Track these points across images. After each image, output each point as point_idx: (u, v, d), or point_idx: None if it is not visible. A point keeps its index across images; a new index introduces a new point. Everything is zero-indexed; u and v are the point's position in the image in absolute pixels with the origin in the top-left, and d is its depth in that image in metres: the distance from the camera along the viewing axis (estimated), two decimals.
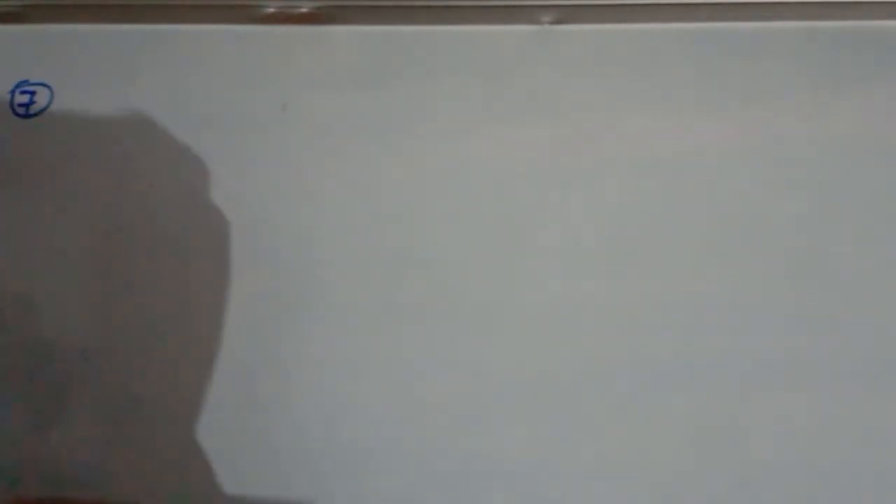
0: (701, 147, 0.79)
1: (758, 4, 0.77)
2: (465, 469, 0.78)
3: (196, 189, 0.78)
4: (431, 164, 0.79)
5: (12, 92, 0.78)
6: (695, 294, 0.79)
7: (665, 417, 0.78)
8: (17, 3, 0.76)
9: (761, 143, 0.79)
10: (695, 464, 0.78)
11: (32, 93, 0.78)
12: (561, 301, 0.79)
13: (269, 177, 0.78)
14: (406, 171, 0.79)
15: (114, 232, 0.78)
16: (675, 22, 0.79)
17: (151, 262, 0.78)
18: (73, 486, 0.77)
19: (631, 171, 0.79)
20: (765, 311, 0.79)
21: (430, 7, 0.77)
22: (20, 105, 0.78)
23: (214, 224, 0.78)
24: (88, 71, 0.78)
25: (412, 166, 0.79)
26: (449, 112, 0.79)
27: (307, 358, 0.78)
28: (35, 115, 0.78)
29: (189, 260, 0.78)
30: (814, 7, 0.78)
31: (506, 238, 0.79)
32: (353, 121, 0.79)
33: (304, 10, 0.78)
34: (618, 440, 0.78)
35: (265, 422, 0.78)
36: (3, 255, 0.78)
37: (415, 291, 0.78)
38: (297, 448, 0.78)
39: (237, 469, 0.77)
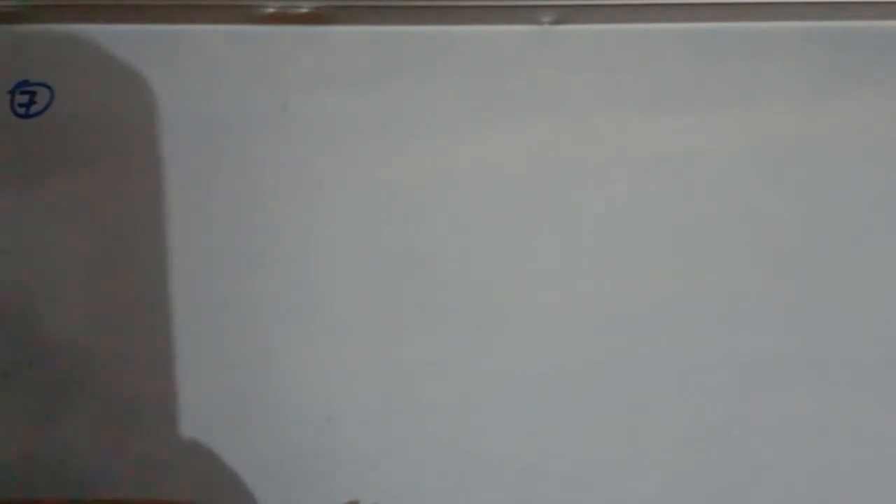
0: (701, 147, 0.79)
1: (758, 4, 0.77)
2: (464, 469, 0.78)
3: (196, 189, 0.78)
4: (431, 164, 0.79)
5: (12, 92, 0.78)
6: (694, 293, 0.79)
7: (665, 417, 0.78)
8: (17, 3, 0.76)
9: (761, 143, 0.79)
10: (695, 463, 0.78)
11: (32, 93, 0.78)
12: (561, 301, 0.79)
13: (269, 177, 0.78)
14: (406, 171, 0.79)
15: (114, 232, 0.78)
16: (675, 22, 0.79)
17: (151, 262, 0.78)
18: (73, 486, 0.77)
19: (631, 170, 0.79)
20: (764, 310, 0.79)
21: (430, 7, 0.77)
22: (20, 105, 0.78)
23: (214, 224, 0.78)
24: (88, 71, 0.78)
25: (412, 166, 0.79)
26: (449, 112, 0.79)
27: (307, 357, 0.78)
28: (35, 115, 0.78)
29: (189, 260, 0.78)
30: (814, 7, 0.78)
31: (505, 237, 0.79)
32: (353, 121, 0.79)
33: (304, 10, 0.78)
34: (618, 440, 0.78)
35: (264, 422, 0.78)
36: (3, 255, 0.78)
37: (414, 291, 0.78)
38: (297, 448, 0.78)
39: (235, 469, 0.77)
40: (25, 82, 0.78)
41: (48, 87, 0.78)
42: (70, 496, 0.77)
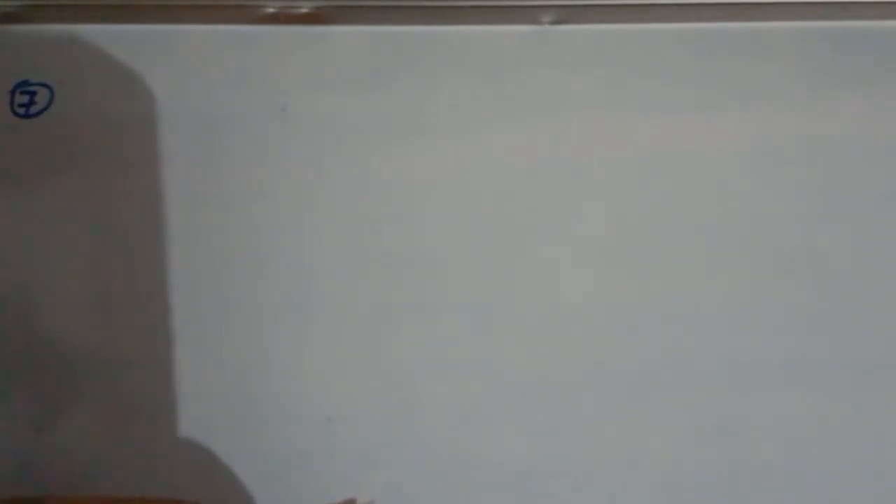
0: (701, 147, 0.79)
1: (758, 4, 0.77)
2: (464, 469, 0.78)
3: (196, 189, 0.78)
4: (431, 164, 0.79)
5: (12, 92, 0.78)
6: (694, 293, 0.79)
7: (665, 417, 0.78)
8: (17, 3, 0.76)
9: (761, 143, 0.79)
10: (695, 463, 0.78)
11: (32, 93, 0.78)
12: (561, 301, 0.79)
13: (269, 177, 0.78)
14: (406, 171, 0.79)
15: (114, 232, 0.78)
16: (675, 22, 0.79)
17: (151, 263, 0.78)
18: (72, 486, 0.77)
19: (631, 170, 0.79)
20: (764, 310, 0.79)
21: (430, 7, 0.77)
22: (20, 105, 0.78)
23: (214, 224, 0.78)
24: (88, 71, 0.78)
25: (412, 166, 0.79)
26: (449, 112, 0.79)
27: (306, 358, 0.78)
28: (35, 115, 0.78)
29: (189, 260, 0.78)
30: (814, 7, 0.78)
31: (505, 238, 0.79)
32: (353, 121, 0.79)
33: (304, 10, 0.78)
34: (617, 440, 0.78)
35: (264, 422, 0.78)
36: (3, 255, 0.78)
37: (414, 292, 0.78)
38: (296, 447, 0.78)
39: (235, 469, 0.77)
40: (25, 82, 0.78)
41: (48, 87, 0.78)
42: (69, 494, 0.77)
